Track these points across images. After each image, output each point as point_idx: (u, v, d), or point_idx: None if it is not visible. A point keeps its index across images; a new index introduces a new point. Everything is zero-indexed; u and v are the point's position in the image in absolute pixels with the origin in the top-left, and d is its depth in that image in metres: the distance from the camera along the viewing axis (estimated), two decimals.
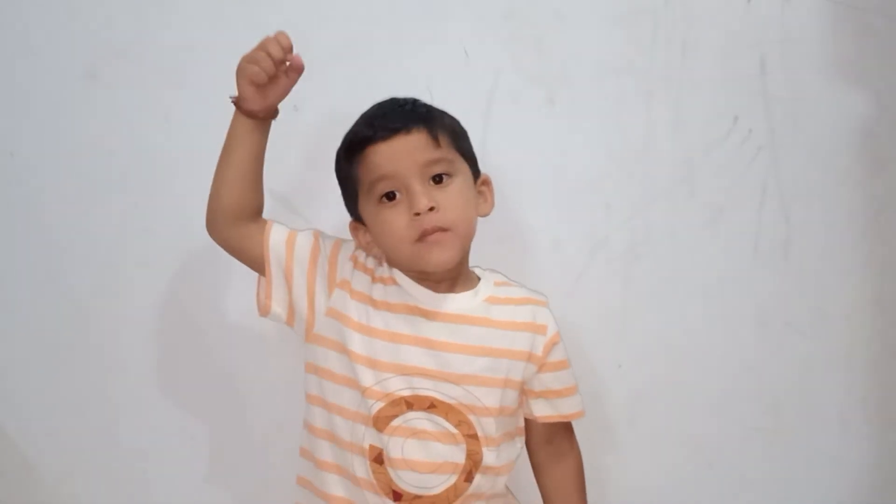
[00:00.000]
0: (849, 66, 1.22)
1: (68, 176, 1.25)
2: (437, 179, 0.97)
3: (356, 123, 1.01)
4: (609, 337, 1.25)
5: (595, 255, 1.24)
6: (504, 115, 1.20)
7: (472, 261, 1.07)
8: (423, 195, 0.95)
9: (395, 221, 0.96)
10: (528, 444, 1.07)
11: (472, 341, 0.99)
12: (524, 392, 1.04)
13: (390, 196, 0.97)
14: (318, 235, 1.04)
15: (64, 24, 1.23)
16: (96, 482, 1.28)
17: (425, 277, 1.00)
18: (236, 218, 1.02)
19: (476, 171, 1.04)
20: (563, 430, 1.08)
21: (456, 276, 1.02)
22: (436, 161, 0.97)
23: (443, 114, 1.02)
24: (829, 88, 1.22)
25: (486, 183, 1.05)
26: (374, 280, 1.01)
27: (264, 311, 1.03)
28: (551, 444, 1.07)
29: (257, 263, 1.03)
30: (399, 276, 1.01)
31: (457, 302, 1.00)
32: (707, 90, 1.22)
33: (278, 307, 1.02)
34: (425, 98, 1.09)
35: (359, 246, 1.04)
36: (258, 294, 1.03)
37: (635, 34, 1.21)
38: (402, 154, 0.96)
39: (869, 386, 1.26)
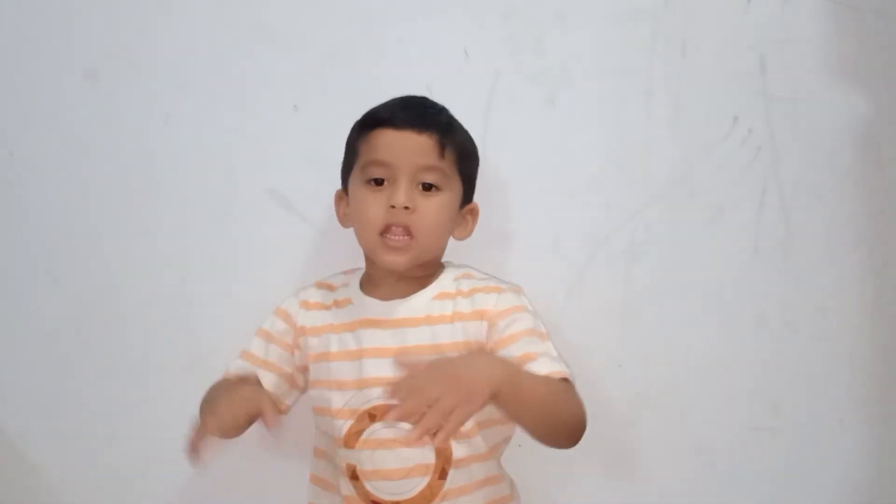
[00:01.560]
0: (849, 66, 1.22)
1: (68, 176, 1.25)
2: (426, 187, 0.99)
3: (381, 104, 1.04)
4: (609, 337, 1.25)
5: (595, 255, 1.24)
6: (504, 115, 1.20)
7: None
8: (405, 192, 0.97)
9: (372, 206, 0.99)
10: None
11: (418, 341, 1.00)
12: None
13: (378, 181, 0.99)
14: (267, 333, 1.07)
15: (64, 24, 1.23)
16: (96, 482, 1.28)
17: (385, 275, 1.02)
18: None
19: (469, 197, 1.06)
20: None
21: (417, 277, 1.03)
22: (432, 169, 0.99)
23: (463, 131, 1.05)
24: (829, 88, 1.22)
25: (473, 212, 1.07)
26: (330, 307, 1.05)
27: (285, 412, 1.08)
28: None
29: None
30: (354, 293, 1.05)
31: (405, 305, 1.02)
32: (707, 90, 1.22)
33: (291, 401, 1.09)
34: None
35: (337, 214, 1.07)
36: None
37: (635, 34, 1.21)
38: (404, 149, 0.98)
39: (869, 386, 1.26)
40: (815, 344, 1.25)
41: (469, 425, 0.97)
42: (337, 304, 1.06)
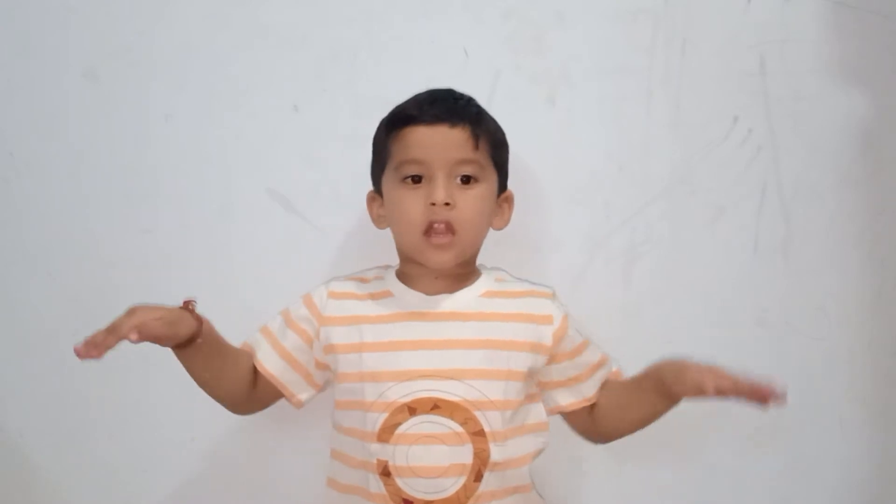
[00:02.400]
0: (849, 66, 1.22)
1: (68, 175, 1.24)
2: (464, 180, 0.99)
3: (407, 101, 1.02)
4: (609, 337, 1.24)
5: (595, 255, 1.24)
6: (504, 115, 1.19)
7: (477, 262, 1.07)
8: (444, 188, 0.96)
9: (411, 205, 0.98)
10: (578, 426, 1.09)
11: (467, 335, 0.99)
12: (542, 385, 1.04)
13: (416, 179, 0.98)
14: (288, 315, 1.05)
15: (64, 25, 1.23)
16: (96, 482, 1.28)
17: (423, 274, 1.02)
18: (242, 404, 1.06)
19: (503, 185, 1.06)
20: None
21: (457, 274, 1.02)
22: (468, 162, 0.99)
23: (491, 120, 1.04)
24: (829, 88, 1.22)
25: (508, 199, 1.07)
26: (363, 298, 1.03)
27: (299, 406, 1.07)
28: (592, 409, 1.07)
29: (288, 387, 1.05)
30: (393, 285, 1.03)
31: (452, 300, 1.01)
32: (707, 90, 1.22)
33: (305, 396, 1.06)
34: None
35: (371, 215, 1.06)
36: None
37: (635, 34, 1.21)
38: (439, 144, 0.97)
39: (869, 386, 1.26)
40: (815, 344, 1.25)
41: (503, 428, 0.98)
42: (373, 297, 1.03)
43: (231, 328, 1.25)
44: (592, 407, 1.07)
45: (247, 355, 1.05)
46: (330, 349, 1.02)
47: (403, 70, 1.20)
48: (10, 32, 1.23)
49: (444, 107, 0.99)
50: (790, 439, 1.26)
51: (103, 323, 1.25)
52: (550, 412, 1.07)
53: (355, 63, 1.21)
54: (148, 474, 1.27)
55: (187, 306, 0.95)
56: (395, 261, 1.08)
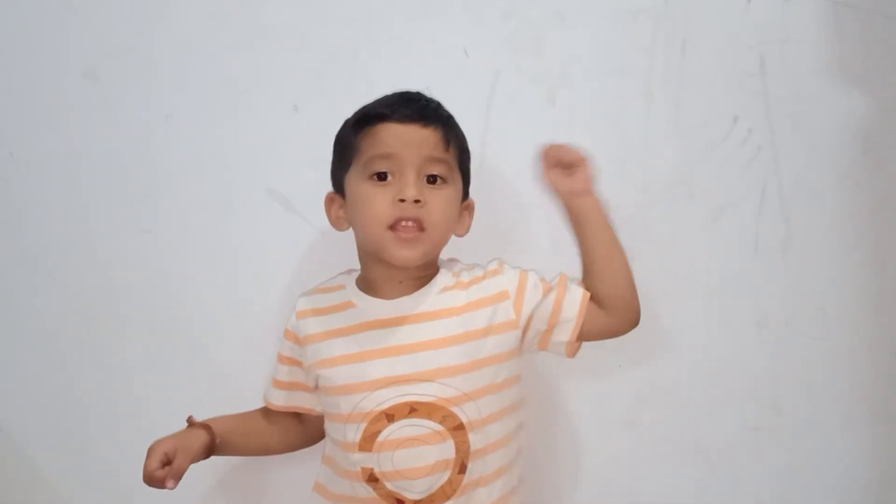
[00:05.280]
0: (849, 66, 1.22)
1: (68, 176, 1.25)
2: (432, 180, 0.99)
3: (375, 101, 1.02)
4: None
5: None
6: (504, 114, 1.20)
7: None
8: (414, 186, 0.96)
9: (378, 201, 0.97)
10: (602, 328, 1.04)
11: (433, 335, 0.99)
12: (542, 344, 1.02)
13: (382, 176, 0.98)
14: (279, 355, 1.09)
15: (64, 24, 1.23)
16: (96, 482, 1.28)
17: (386, 279, 1.01)
18: (302, 443, 1.13)
19: (466, 193, 1.06)
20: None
21: (415, 278, 1.02)
22: (439, 161, 0.99)
23: (458, 127, 1.04)
24: (829, 88, 1.22)
25: (469, 207, 1.07)
26: (327, 313, 1.04)
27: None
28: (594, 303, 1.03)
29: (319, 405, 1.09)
30: (354, 295, 1.03)
31: (412, 301, 1.01)
32: (707, 90, 1.22)
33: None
34: None
35: (329, 218, 1.06)
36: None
37: (635, 34, 1.21)
38: (410, 141, 0.97)
39: (869, 386, 1.26)
40: (815, 344, 1.25)
41: (482, 415, 0.98)
42: (335, 309, 1.04)
43: (231, 328, 1.26)
44: (591, 300, 1.02)
45: (269, 411, 1.10)
46: (308, 368, 1.04)
47: (403, 70, 1.20)
48: (10, 32, 1.23)
49: (417, 107, 1.00)
50: (790, 439, 1.26)
51: (103, 323, 1.26)
52: (572, 350, 1.03)
53: (355, 63, 1.21)
54: None
55: (190, 422, 1.04)
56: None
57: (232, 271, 1.24)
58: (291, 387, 1.08)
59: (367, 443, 0.98)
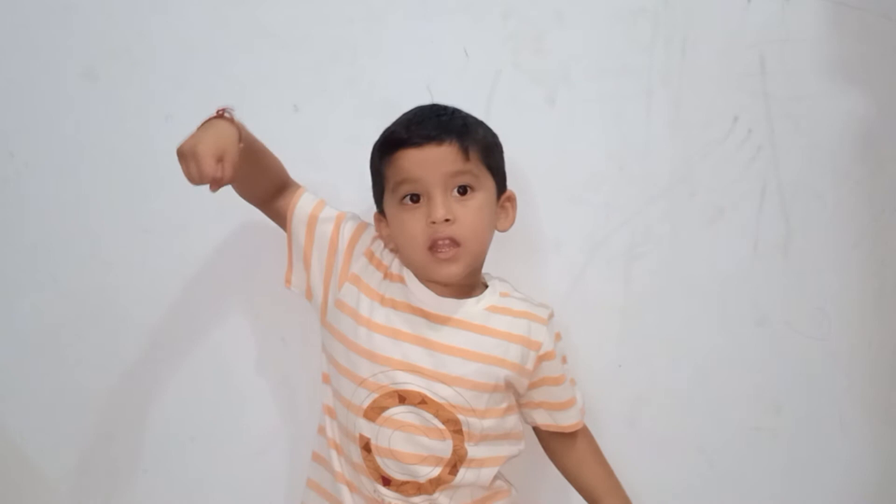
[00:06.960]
0: (849, 66, 1.22)
1: (68, 176, 1.24)
2: (461, 191, 1.00)
3: (395, 122, 1.03)
4: (609, 337, 1.25)
5: (595, 255, 1.24)
6: (504, 115, 1.19)
7: None
8: (442, 206, 0.97)
9: (412, 225, 0.99)
10: (541, 441, 1.13)
11: (467, 346, 1.01)
12: (521, 404, 1.08)
13: (414, 198, 0.99)
14: (341, 222, 1.06)
15: (63, 24, 1.23)
16: (96, 482, 1.28)
17: (433, 282, 1.03)
18: (260, 203, 1.07)
19: (503, 187, 1.06)
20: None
21: (464, 284, 1.04)
22: (461, 173, 0.99)
23: (479, 126, 1.04)
24: (829, 88, 1.22)
25: (510, 199, 1.07)
26: (384, 276, 1.05)
27: (286, 283, 1.09)
28: (562, 438, 1.11)
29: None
30: (408, 275, 1.04)
31: (459, 307, 1.03)
32: (707, 90, 1.22)
33: (297, 286, 1.08)
34: (425, 98, 1.10)
35: (379, 236, 1.07)
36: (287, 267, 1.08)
37: (635, 34, 1.21)
38: (430, 163, 0.98)
39: (869, 386, 1.26)
40: (815, 344, 1.25)
41: (481, 432, 1.02)
42: (389, 277, 1.05)
43: (231, 328, 1.26)
44: (562, 436, 1.11)
45: (285, 175, 1.08)
46: (343, 307, 1.03)
47: (403, 70, 1.20)
48: (11, 32, 1.23)
49: (430, 125, 1.00)
50: (790, 439, 1.26)
51: (103, 323, 1.26)
52: (527, 423, 1.11)
53: (355, 63, 1.21)
54: (148, 474, 1.28)
55: (222, 114, 0.96)
56: None
57: (232, 271, 1.24)
58: (308, 241, 1.06)
59: (374, 412, 1.00)
